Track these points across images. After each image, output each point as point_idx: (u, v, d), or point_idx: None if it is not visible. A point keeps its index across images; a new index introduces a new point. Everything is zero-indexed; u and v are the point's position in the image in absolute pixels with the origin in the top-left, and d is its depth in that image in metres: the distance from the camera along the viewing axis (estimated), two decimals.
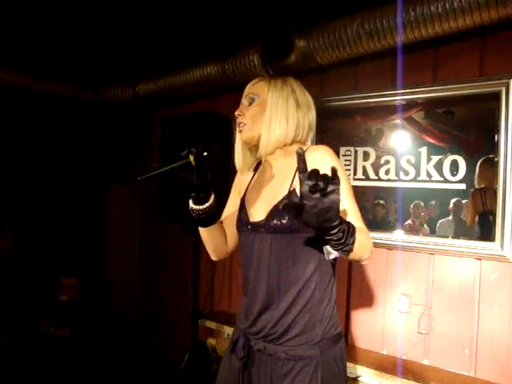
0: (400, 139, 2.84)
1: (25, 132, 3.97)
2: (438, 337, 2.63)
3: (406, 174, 2.75)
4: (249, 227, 1.63)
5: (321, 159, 1.49)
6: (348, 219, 1.37)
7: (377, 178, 2.87)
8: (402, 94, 2.76)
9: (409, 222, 2.77)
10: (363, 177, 2.90)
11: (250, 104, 1.66)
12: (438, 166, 2.64)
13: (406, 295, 2.71)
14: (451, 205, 2.63)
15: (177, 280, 3.84)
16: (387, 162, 2.84)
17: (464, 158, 2.57)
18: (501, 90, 2.42)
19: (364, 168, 2.91)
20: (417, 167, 2.71)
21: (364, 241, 1.37)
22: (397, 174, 2.79)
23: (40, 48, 3.49)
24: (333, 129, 3.08)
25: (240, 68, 3.13)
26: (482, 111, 2.57)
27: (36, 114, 4.02)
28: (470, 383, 2.44)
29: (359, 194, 2.88)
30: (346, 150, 2.98)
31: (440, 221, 2.68)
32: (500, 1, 2.12)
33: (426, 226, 2.73)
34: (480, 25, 2.30)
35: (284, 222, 1.50)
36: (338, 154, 2.98)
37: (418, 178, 2.71)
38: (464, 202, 2.59)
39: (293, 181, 1.54)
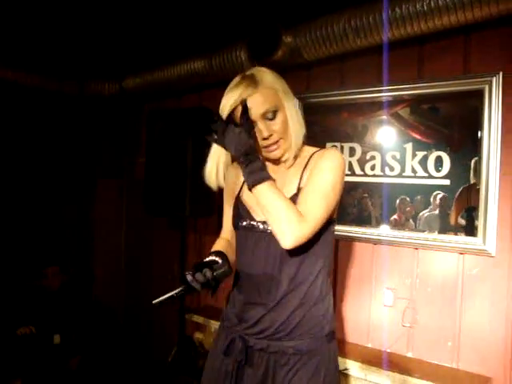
0: (386, 135, 2.86)
1: (11, 126, 3.94)
2: (422, 330, 2.67)
3: (392, 169, 2.79)
4: (254, 226, 1.59)
5: (319, 159, 1.54)
6: (301, 204, 1.44)
7: (363, 173, 2.90)
8: (388, 90, 2.79)
9: (395, 216, 2.80)
10: (349, 172, 2.93)
11: (270, 119, 1.51)
12: (423, 162, 2.68)
13: (391, 289, 2.76)
14: (437, 200, 2.67)
15: (163, 275, 3.85)
16: (373, 157, 2.87)
17: (448, 155, 2.61)
18: (484, 87, 2.46)
19: (350, 164, 2.94)
20: (402, 163, 2.75)
21: (276, 203, 1.41)
22: (382, 170, 2.83)
23: (27, 42, 3.46)
24: (319, 124, 3.10)
25: (227, 63, 3.14)
26: (467, 108, 2.60)
27: (22, 108, 3.98)
28: (452, 374, 2.49)
29: (346, 189, 2.91)
30: (332, 146, 3.00)
31: (425, 215, 2.72)
32: (484, 0, 2.15)
33: (411, 220, 2.77)
34: (464, 23, 2.33)
35: None
36: None
37: (403, 174, 2.74)
38: (449, 196, 2.63)
39: (300, 181, 1.55)
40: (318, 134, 3.07)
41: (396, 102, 2.81)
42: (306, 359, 1.51)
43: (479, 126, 2.49)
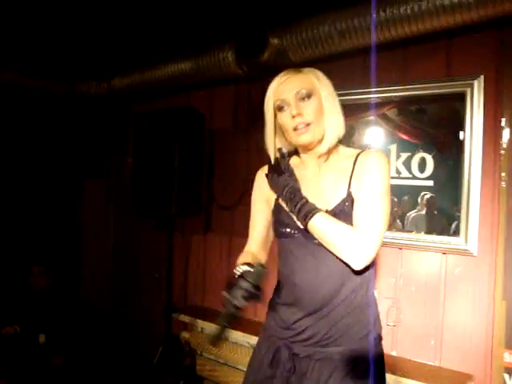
0: (372, 136, 2.91)
1: None
2: (406, 329, 2.72)
3: None
4: (301, 233, 1.54)
5: (367, 162, 1.51)
6: (362, 219, 1.45)
7: None
8: (374, 92, 2.83)
9: None
10: None
11: (303, 100, 1.50)
12: (407, 163, 2.72)
13: (376, 289, 2.79)
14: (424, 200, 2.71)
15: (151, 275, 3.86)
16: None
17: (432, 156, 2.66)
18: (466, 90, 2.51)
19: None
20: None
21: (331, 229, 1.43)
22: None
23: (15, 42, 3.46)
24: None
25: (214, 64, 3.16)
26: (452, 110, 2.65)
27: (10, 107, 3.97)
28: (435, 372, 2.53)
29: None
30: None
31: (412, 216, 2.76)
32: (465, 5, 2.20)
33: (398, 221, 2.81)
34: (447, 27, 2.38)
35: None
36: None
37: None
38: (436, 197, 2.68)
39: (350, 184, 1.51)
40: None
41: (383, 103, 2.85)
42: (353, 365, 1.49)
43: (462, 128, 2.54)
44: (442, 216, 2.67)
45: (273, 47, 2.85)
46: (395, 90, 2.76)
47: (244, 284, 1.37)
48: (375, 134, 2.90)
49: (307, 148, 1.57)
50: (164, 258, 3.34)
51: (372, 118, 2.92)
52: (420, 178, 2.69)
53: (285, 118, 1.52)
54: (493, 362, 2.43)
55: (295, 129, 1.50)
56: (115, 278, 4.58)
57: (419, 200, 2.73)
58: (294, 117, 1.48)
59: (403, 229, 2.78)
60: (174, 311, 3.42)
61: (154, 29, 3.29)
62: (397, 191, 2.78)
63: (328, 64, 2.99)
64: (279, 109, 1.53)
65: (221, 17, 3.05)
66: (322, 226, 1.44)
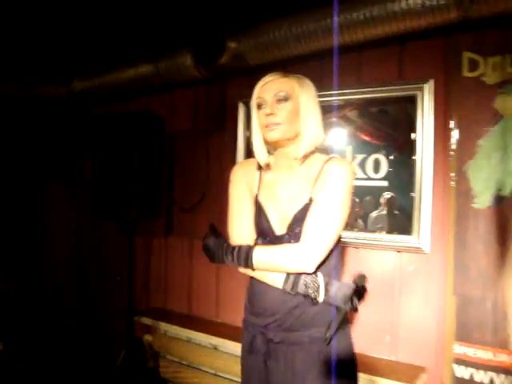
0: (330, 138, 2.98)
1: None
2: (362, 325, 2.78)
3: None
4: (271, 238, 1.65)
5: (329, 171, 1.59)
6: (308, 227, 1.55)
7: None
8: (330, 95, 2.89)
9: None
10: None
11: (279, 101, 1.59)
12: (362, 164, 2.81)
13: None
14: (385, 200, 2.80)
15: (113, 278, 3.84)
16: None
17: (386, 157, 2.75)
18: (417, 93, 2.60)
19: None
20: None
21: (271, 259, 1.56)
22: None
23: None
24: None
25: (173, 68, 3.19)
26: (405, 112, 2.74)
27: None
28: (390, 366, 2.62)
29: None
30: None
31: (374, 216, 2.84)
32: (415, 13, 2.28)
33: (360, 220, 2.89)
34: (398, 33, 2.47)
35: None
36: None
37: None
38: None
39: (313, 190, 1.60)
40: None
41: (342, 105, 2.93)
42: (321, 347, 1.58)
43: (414, 130, 2.63)
44: (403, 215, 2.76)
45: (230, 51, 2.89)
46: (351, 93, 2.84)
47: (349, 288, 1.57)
48: (334, 135, 2.98)
49: (278, 146, 1.65)
50: (125, 260, 3.33)
51: (334, 119, 2.99)
52: (375, 179, 2.77)
53: (261, 115, 1.61)
54: (444, 354, 2.53)
55: (266, 126, 1.59)
56: (78, 282, 4.52)
57: (381, 200, 2.82)
58: (267, 115, 1.58)
59: (365, 228, 2.86)
60: (136, 314, 3.42)
61: (114, 33, 3.29)
62: (359, 192, 2.86)
63: (285, 68, 3.06)
64: (258, 106, 1.63)
65: (180, 21, 3.07)
66: (261, 260, 1.56)
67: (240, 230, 1.69)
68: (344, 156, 2.86)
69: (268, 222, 1.65)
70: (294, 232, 1.60)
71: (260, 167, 1.73)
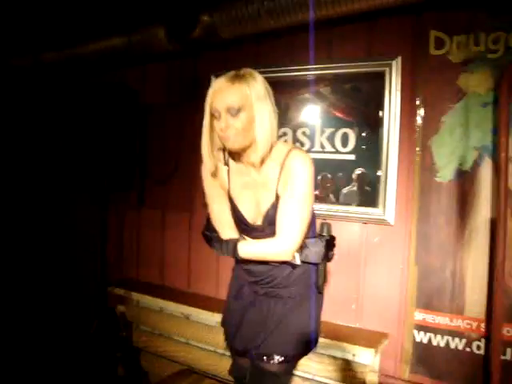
0: (301, 113, 3.05)
1: None
2: (329, 295, 2.87)
3: (302, 145, 2.97)
4: (248, 229, 1.82)
5: (290, 168, 1.69)
6: (280, 223, 1.71)
7: None
8: (301, 70, 2.95)
9: (316, 192, 2.99)
10: None
11: (233, 115, 1.62)
12: (331, 138, 2.88)
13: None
14: (355, 176, 2.88)
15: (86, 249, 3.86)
16: (284, 134, 3.06)
17: (354, 132, 2.83)
18: (385, 70, 2.67)
19: None
20: (312, 139, 2.95)
21: (255, 251, 1.80)
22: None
23: None
24: None
25: (146, 41, 3.17)
26: (376, 89, 2.80)
27: None
28: (355, 332, 2.75)
29: None
30: None
31: (345, 192, 2.92)
32: None
33: (331, 196, 2.97)
34: (367, 10, 2.51)
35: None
36: None
37: (313, 149, 2.93)
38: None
39: (277, 188, 1.71)
40: None
41: (314, 81, 2.98)
42: (298, 301, 1.86)
43: (382, 105, 2.71)
44: (373, 191, 2.82)
45: (203, 24, 2.90)
46: (322, 68, 2.90)
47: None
48: (306, 111, 3.04)
49: (238, 153, 1.72)
50: (98, 231, 3.35)
51: (307, 95, 3.04)
52: (343, 153, 2.85)
53: (217, 126, 1.66)
54: (405, 320, 2.66)
55: (223, 137, 1.66)
56: (50, 253, 4.51)
57: (353, 176, 2.90)
58: (221, 129, 1.64)
59: (337, 202, 2.95)
60: (109, 285, 3.46)
61: (87, 5, 3.24)
62: (330, 166, 2.95)
63: (258, 43, 3.11)
64: (213, 115, 1.66)
65: None
66: (247, 253, 1.79)
67: (222, 226, 1.87)
68: (314, 130, 2.93)
69: (242, 215, 1.81)
70: (269, 224, 1.76)
71: (226, 163, 1.83)
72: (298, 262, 1.77)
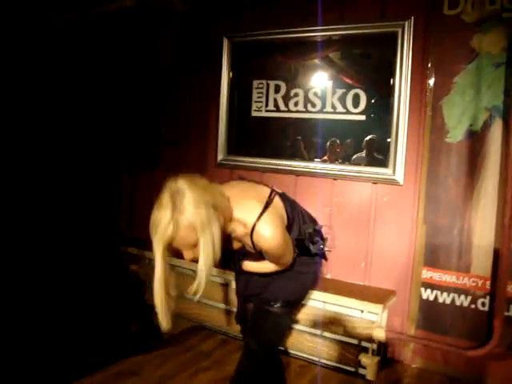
0: (313, 76, 3.07)
1: None
2: (339, 253, 2.96)
3: (314, 105, 3.01)
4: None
5: (261, 243, 1.84)
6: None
7: (286, 109, 3.12)
8: (313, 30, 2.96)
9: (325, 157, 3.04)
10: (274, 108, 3.15)
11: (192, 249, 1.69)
12: (342, 99, 2.90)
13: None
14: (364, 142, 2.91)
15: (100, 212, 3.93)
16: (296, 94, 3.09)
17: (365, 93, 2.84)
18: (397, 30, 2.68)
19: (275, 100, 3.14)
20: (323, 99, 2.98)
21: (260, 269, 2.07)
22: (305, 106, 3.05)
23: None
24: (247, 64, 3.29)
25: (158, 2, 3.16)
26: (387, 52, 2.79)
27: None
28: (364, 290, 2.82)
29: (279, 128, 3.20)
30: (259, 83, 3.19)
31: (354, 158, 2.96)
32: None
33: (340, 161, 3.00)
34: None
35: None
36: (251, 87, 3.22)
37: (324, 110, 2.97)
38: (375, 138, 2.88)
39: (254, 248, 1.91)
40: (245, 72, 3.28)
41: (325, 44, 2.98)
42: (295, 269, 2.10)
43: (393, 68, 2.72)
44: (382, 156, 2.85)
45: None
46: (334, 29, 2.91)
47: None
48: (318, 75, 3.06)
49: None
50: (113, 194, 3.40)
51: (316, 60, 3.05)
52: (354, 113, 2.88)
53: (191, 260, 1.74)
54: (413, 278, 2.73)
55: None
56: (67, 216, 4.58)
57: (363, 144, 2.93)
58: (192, 260, 1.73)
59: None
60: (123, 244, 3.55)
61: None
62: (339, 131, 2.98)
63: (271, 4, 3.10)
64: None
65: None
66: (250, 269, 2.08)
67: None
68: (325, 91, 2.97)
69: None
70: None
71: None
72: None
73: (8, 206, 3.59)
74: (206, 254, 1.65)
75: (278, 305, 2.08)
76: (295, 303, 2.27)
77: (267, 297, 2.09)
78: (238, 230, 1.86)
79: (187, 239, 1.64)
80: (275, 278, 2.10)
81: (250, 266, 2.07)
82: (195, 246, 1.65)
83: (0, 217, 3.49)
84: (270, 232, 1.81)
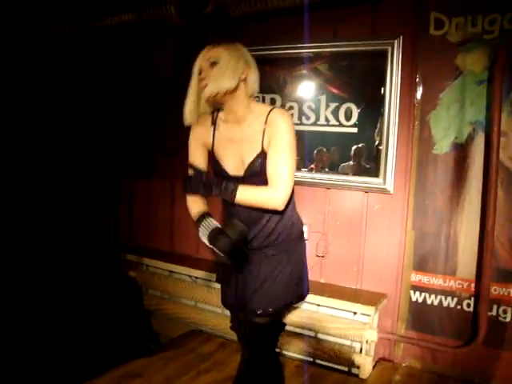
0: (304, 88, 3.22)
1: None
2: (332, 258, 3.12)
3: (308, 118, 3.17)
4: (225, 178, 1.94)
5: (274, 123, 1.86)
6: (272, 174, 1.86)
7: None
8: (306, 47, 3.10)
9: (312, 166, 3.20)
10: None
11: (210, 66, 1.83)
12: (335, 113, 3.07)
13: (306, 224, 3.14)
14: (352, 151, 3.10)
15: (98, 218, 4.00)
16: (291, 107, 3.24)
17: (357, 107, 3.01)
18: (387, 48, 2.84)
19: None
20: (317, 112, 3.14)
21: (251, 198, 1.88)
22: (299, 119, 3.21)
23: None
24: None
25: (157, 17, 3.27)
26: (376, 66, 2.95)
27: None
28: (355, 293, 2.98)
29: None
30: (255, 97, 3.30)
31: (342, 166, 3.13)
32: None
33: (327, 169, 3.17)
34: None
35: (259, 179, 1.89)
36: None
37: (318, 122, 3.13)
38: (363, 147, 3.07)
39: (263, 141, 1.88)
40: None
41: (315, 58, 3.14)
42: (282, 255, 2.03)
43: (383, 82, 2.88)
44: (370, 165, 3.04)
45: (214, 3, 3.02)
46: (327, 46, 3.05)
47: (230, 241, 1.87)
48: (306, 86, 3.22)
49: (221, 103, 1.91)
50: (111, 200, 3.49)
51: (305, 72, 3.21)
52: (346, 126, 3.04)
53: (200, 80, 1.86)
54: (402, 281, 2.90)
55: (202, 88, 1.85)
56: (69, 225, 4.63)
57: (351, 153, 3.11)
58: (201, 79, 1.85)
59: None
60: (122, 252, 3.63)
61: None
62: (327, 140, 3.15)
63: (267, 21, 3.23)
64: (199, 73, 1.87)
65: None
66: (244, 199, 1.87)
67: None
68: (318, 105, 3.12)
69: (223, 168, 1.97)
70: (250, 176, 1.91)
71: (213, 122, 2.02)
72: None
73: (9, 217, 3.65)
74: (220, 74, 1.82)
75: (265, 314, 2.03)
76: (282, 309, 2.18)
77: (253, 307, 2.02)
78: (250, 117, 1.92)
79: (213, 53, 1.84)
80: (261, 284, 2.04)
81: (246, 192, 1.88)
82: (215, 64, 1.82)
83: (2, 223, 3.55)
84: (288, 116, 1.91)
